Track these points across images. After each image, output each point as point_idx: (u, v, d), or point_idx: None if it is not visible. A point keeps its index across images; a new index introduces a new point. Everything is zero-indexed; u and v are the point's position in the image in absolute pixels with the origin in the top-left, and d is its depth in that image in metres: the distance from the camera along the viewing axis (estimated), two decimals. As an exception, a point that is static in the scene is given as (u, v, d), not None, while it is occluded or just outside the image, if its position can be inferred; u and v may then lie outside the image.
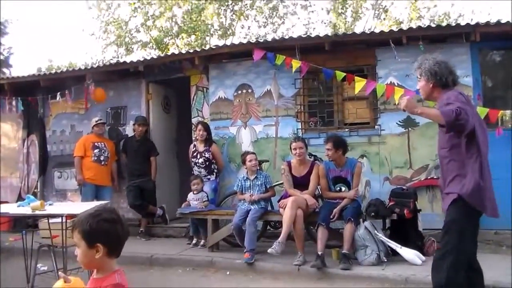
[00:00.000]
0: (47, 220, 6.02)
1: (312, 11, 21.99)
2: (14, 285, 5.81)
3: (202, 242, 7.53)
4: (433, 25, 7.61)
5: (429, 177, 7.35)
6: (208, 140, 7.94)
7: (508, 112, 6.65)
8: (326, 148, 6.56)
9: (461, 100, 3.63)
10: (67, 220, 5.29)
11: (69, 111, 9.74)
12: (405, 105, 3.74)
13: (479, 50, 7.39)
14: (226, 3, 20.35)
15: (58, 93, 9.10)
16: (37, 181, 9.97)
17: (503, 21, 6.88)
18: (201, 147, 7.90)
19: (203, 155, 7.84)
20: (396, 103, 7.23)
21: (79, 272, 5.28)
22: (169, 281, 6.17)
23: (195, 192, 7.62)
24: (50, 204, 6.13)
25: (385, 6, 20.88)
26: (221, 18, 21.03)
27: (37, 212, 5.60)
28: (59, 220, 5.52)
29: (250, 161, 7.02)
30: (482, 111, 6.79)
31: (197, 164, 7.88)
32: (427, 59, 3.99)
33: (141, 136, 8.60)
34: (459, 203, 3.70)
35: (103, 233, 2.24)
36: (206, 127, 8.00)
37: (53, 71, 9.89)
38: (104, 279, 2.27)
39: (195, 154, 7.91)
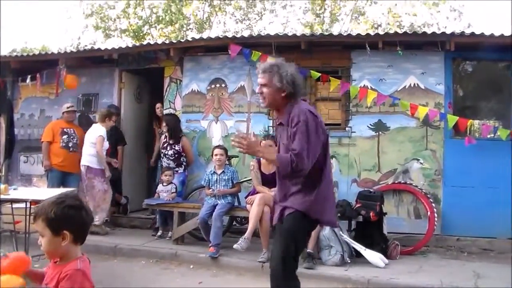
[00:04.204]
0: (10, 205, 5.91)
1: (290, 12, 22.04)
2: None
3: (169, 234, 7.49)
4: (410, 32, 7.68)
5: (396, 182, 7.44)
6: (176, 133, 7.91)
7: (476, 122, 6.76)
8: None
9: (310, 121, 3.40)
10: (31, 206, 5.22)
11: (39, 95, 9.53)
12: (246, 149, 3.42)
13: (453, 59, 7.51)
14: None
15: (29, 76, 8.94)
16: (2, 165, 9.76)
17: (477, 33, 6.98)
18: (172, 139, 7.85)
19: (173, 147, 7.79)
20: (368, 106, 7.33)
21: (40, 259, 5.23)
22: (132, 272, 6.13)
23: (164, 184, 7.57)
24: (14, 189, 6.04)
25: (363, 8, 20.99)
26: (200, 11, 20.93)
27: (0, 196, 5.51)
28: (22, 205, 5.44)
29: (216, 155, 7.01)
30: (452, 119, 6.91)
31: (166, 156, 7.84)
32: (283, 64, 3.61)
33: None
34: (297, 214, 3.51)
35: (69, 220, 2.22)
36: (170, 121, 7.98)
37: (26, 54, 9.66)
38: (66, 265, 2.25)
39: (165, 145, 7.86)
